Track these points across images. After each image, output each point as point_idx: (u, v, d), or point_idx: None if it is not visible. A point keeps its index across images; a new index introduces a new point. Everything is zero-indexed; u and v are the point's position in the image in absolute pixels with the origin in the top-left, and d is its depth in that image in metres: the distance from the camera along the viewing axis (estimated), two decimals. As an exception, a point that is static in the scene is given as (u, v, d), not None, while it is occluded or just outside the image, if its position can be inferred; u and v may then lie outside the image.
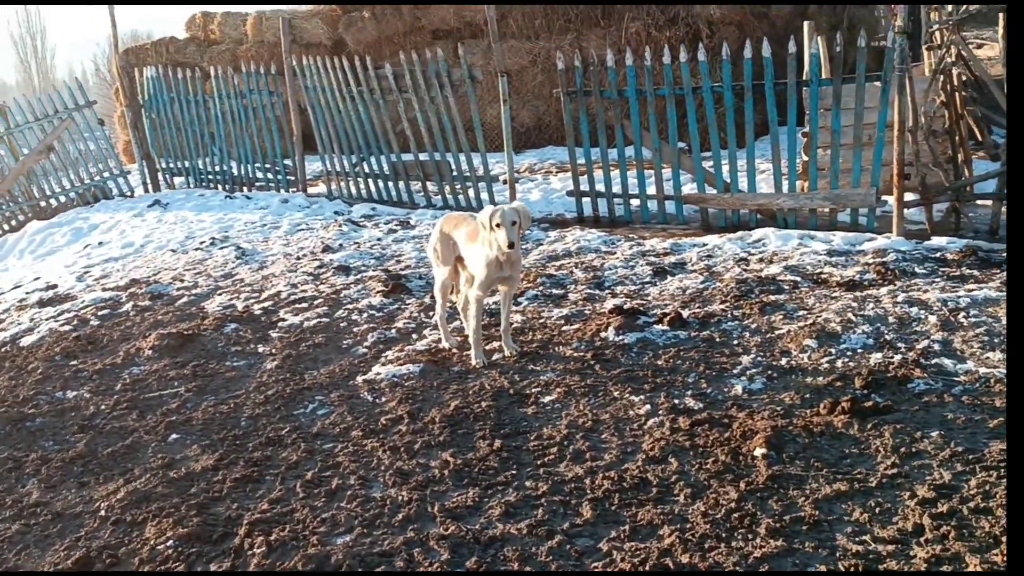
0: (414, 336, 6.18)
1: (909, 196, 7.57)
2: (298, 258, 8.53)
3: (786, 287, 6.46)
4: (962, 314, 5.53)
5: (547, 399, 4.97)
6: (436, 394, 5.18)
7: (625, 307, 6.15)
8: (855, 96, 7.41)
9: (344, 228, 9.63)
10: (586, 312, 6.33)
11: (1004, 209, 7.46)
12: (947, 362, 4.88)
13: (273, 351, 6.04)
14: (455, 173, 10.40)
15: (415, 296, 7.04)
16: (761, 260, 7.21)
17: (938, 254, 6.89)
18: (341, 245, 8.88)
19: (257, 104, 12.30)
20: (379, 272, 7.73)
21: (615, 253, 7.87)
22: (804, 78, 8.19)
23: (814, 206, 7.94)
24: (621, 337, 5.70)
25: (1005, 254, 6.71)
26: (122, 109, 17.13)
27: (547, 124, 15.71)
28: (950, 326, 5.38)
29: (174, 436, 4.89)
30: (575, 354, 5.56)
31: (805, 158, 9.06)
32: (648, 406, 4.75)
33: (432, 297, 6.86)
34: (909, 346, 5.15)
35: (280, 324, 6.57)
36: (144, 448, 4.80)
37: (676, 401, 4.78)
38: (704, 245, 7.82)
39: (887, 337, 5.30)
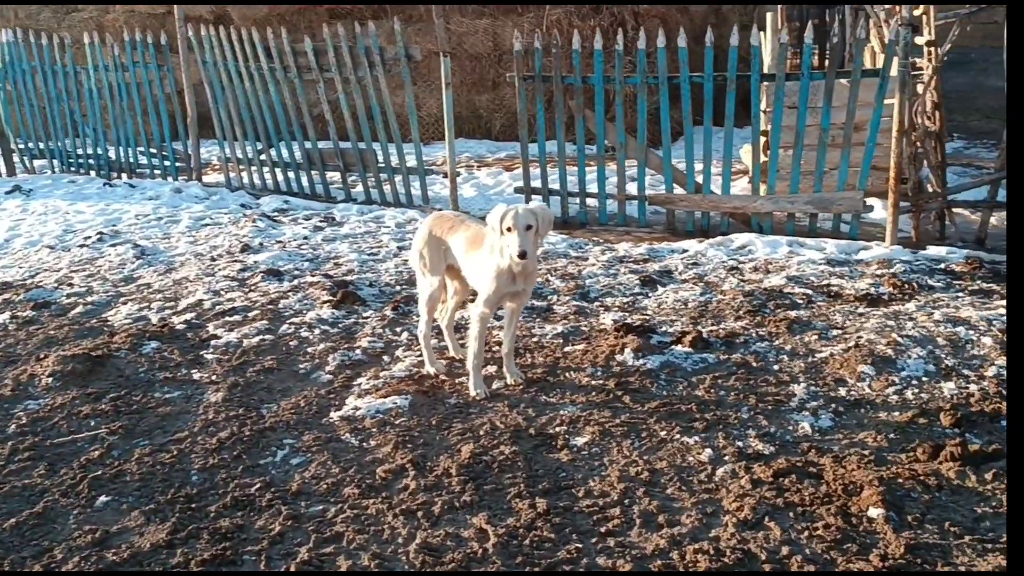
0: (385, 358, 5.14)
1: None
2: (213, 259, 7.25)
3: (800, 301, 5.81)
4: (1011, 335, 5.01)
5: (580, 441, 4.09)
6: (438, 435, 4.20)
7: (634, 325, 5.32)
8: (850, 91, 6.86)
9: (260, 224, 8.36)
10: (583, 329, 5.48)
11: (993, 218, 7.12)
12: (1030, 393, 4.30)
13: (214, 378, 4.87)
14: (381, 164, 9.29)
15: (371, 307, 5.98)
16: (756, 269, 6.56)
17: (942, 265, 6.43)
18: (262, 244, 7.65)
19: (142, 79, 10.75)
20: (319, 278, 6.60)
21: (587, 259, 7.04)
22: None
23: (796, 210, 7.37)
24: (642, 361, 4.87)
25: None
26: (-33, 80, 14.95)
27: (457, 115, 14.64)
28: (1006, 349, 4.84)
29: (103, 498, 3.71)
30: (593, 382, 4.69)
31: (764, 158, 8.52)
32: (709, 450, 3.95)
33: (395, 308, 5.86)
34: (978, 373, 4.57)
35: (213, 343, 5.37)
36: (63, 517, 3.61)
37: (740, 444, 4.00)
38: (685, 251, 7.10)
39: (948, 362, 4.70)
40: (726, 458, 3.88)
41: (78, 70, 11.35)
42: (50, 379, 4.84)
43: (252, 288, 6.42)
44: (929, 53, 6.77)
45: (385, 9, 14.88)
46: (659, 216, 8.32)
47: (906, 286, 5.93)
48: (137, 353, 5.22)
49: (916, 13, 6.54)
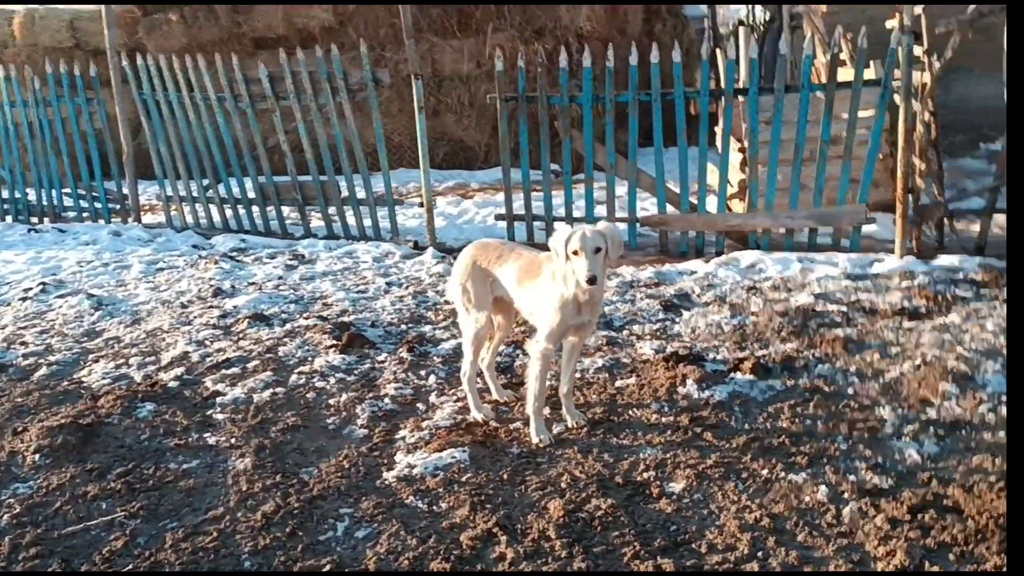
0: (420, 406, 4.62)
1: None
2: (183, 305, 6.55)
3: (838, 319, 5.56)
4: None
5: (676, 487, 3.67)
6: (515, 492, 3.71)
7: (683, 354, 4.95)
8: (850, 103, 6.73)
9: (224, 265, 7.68)
10: (625, 361, 5.08)
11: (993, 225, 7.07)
12: None
13: (233, 441, 4.25)
14: (345, 195, 8.73)
15: (382, 350, 5.43)
16: (776, 288, 6.30)
17: (961, 275, 6.31)
18: (234, 287, 6.98)
19: (67, 115, 9.89)
20: (313, 320, 6.01)
21: (594, 285, 6.65)
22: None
23: (796, 225, 7.18)
24: (708, 392, 4.50)
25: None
26: None
27: (397, 144, 14.20)
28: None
29: (144, 599, 3.08)
30: (663, 419, 4.29)
31: (742, 175, 8.35)
32: (824, 487, 3.58)
33: (410, 350, 5.34)
34: (1063, 385, 4.35)
35: (218, 400, 4.73)
36: (99, 627, 2.96)
37: (853, 478, 3.65)
38: (693, 273, 6.81)
39: (1027, 375, 4.48)
40: (845, 495, 3.53)
41: (-10, 106, 10.40)
42: (36, 456, 4.12)
43: (241, 336, 5.78)
44: (925, 62, 6.68)
45: (315, 36, 14.30)
46: (647, 238, 8.03)
47: (939, 298, 5.76)
48: (133, 418, 4.54)
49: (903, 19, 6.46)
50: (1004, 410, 4.15)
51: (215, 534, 3.46)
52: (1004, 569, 2.94)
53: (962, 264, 6.45)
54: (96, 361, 5.47)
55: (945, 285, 6.08)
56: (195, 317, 6.23)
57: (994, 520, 3.26)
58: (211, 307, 6.44)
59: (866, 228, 7.47)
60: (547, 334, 4.03)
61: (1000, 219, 6.83)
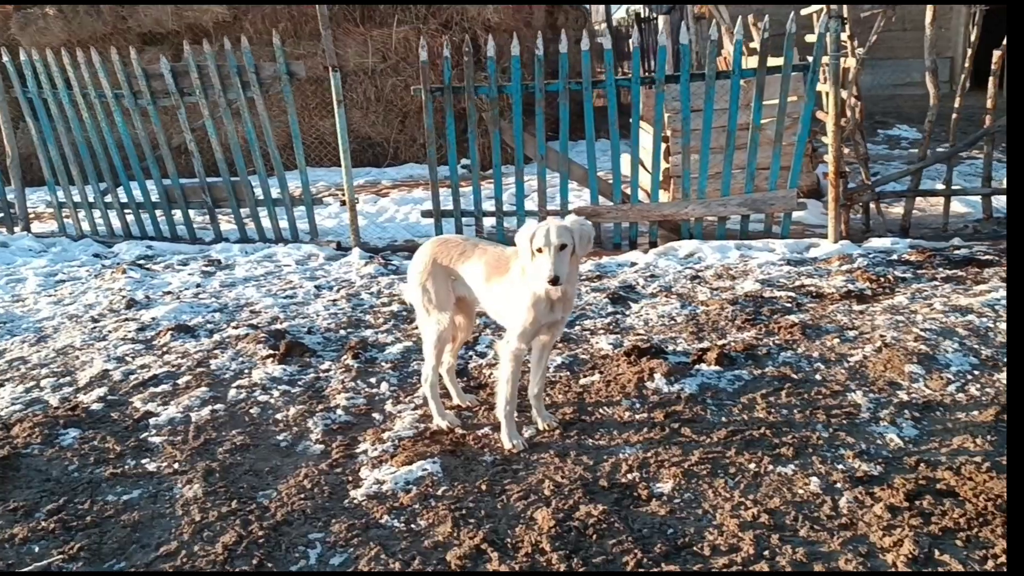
0: (376, 416, 4.32)
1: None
2: (95, 320, 6.02)
3: (788, 304, 5.53)
4: None
5: (665, 488, 3.51)
6: (497, 503, 3.48)
7: (644, 347, 4.80)
8: (779, 87, 6.73)
9: (134, 274, 7.13)
10: (584, 357, 4.90)
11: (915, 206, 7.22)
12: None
13: (177, 467, 3.86)
14: (261, 197, 8.26)
15: (324, 358, 5.10)
16: (719, 276, 6.24)
17: (895, 256, 6.40)
18: (149, 298, 6.47)
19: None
20: (244, 329, 5.60)
21: (535, 280, 6.46)
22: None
23: (729, 213, 7.15)
24: (678, 386, 4.36)
25: (961, 252, 6.40)
26: None
27: (303, 142, 13.64)
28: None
29: (100, 654, 2.71)
30: (636, 416, 4.13)
31: (667, 164, 8.32)
32: (815, 479, 3.49)
33: (355, 356, 5.03)
34: (1022, 361, 4.40)
35: (152, 421, 4.31)
36: None
37: (841, 467, 3.57)
38: (634, 264, 6.69)
39: (985, 353, 4.53)
40: (838, 485, 3.44)
41: None
42: (-52, 496, 3.64)
43: (165, 350, 5.33)
44: (849, 47, 6.76)
45: (208, 32, 13.63)
46: (578, 231, 7.88)
47: (882, 280, 5.81)
48: (56, 447, 4.08)
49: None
50: (979, 389, 4.17)
51: (171, 572, 3.10)
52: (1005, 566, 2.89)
53: (894, 246, 6.55)
54: (1, 385, 4.94)
55: (884, 267, 6.15)
56: (110, 332, 5.73)
57: (992, 503, 3.22)
58: (126, 320, 5.94)
59: (795, 214, 7.53)
60: (519, 333, 3.80)
61: (921, 201, 6.99)
